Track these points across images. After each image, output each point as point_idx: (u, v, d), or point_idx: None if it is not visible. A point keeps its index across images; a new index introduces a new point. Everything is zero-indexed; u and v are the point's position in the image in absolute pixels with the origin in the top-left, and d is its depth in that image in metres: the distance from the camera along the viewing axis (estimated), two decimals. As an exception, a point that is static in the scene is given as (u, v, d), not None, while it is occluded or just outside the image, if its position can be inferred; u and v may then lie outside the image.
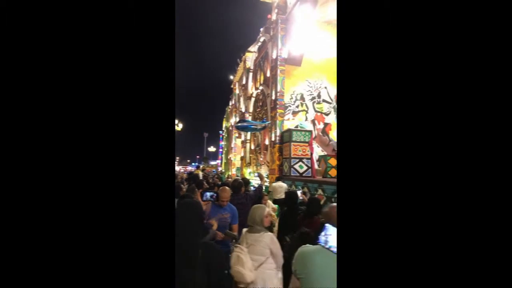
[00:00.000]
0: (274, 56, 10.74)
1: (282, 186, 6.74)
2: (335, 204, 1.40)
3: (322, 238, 0.90)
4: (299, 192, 4.47)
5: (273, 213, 4.64)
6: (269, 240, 2.03)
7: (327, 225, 0.92)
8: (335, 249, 0.86)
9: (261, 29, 13.08)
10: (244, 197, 3.45)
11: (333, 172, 8.27)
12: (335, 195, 5.75)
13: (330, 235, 0.89)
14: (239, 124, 11.95)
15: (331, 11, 10.04)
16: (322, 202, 3.99)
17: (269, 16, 12.32)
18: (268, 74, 11.55)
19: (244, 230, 2.23)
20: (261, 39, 13.16)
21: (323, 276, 1.17)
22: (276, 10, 11.13)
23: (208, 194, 2.85)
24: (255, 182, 8.28)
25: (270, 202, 5.09)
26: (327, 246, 0.88)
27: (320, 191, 6.60)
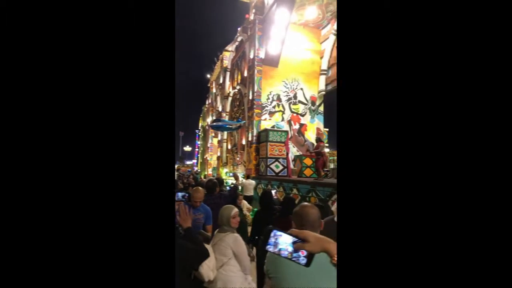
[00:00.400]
0: (251, 56, 10.76)
1: (251, 183, 6.88)
2: (307, 203, 1.42)
3: (271, 240, 0.83)
4: (273, 192, 4.50)
5: (248, 213, 4.64)
6: (231, 241, 1.99)
7: (275, 230, 0.85)
8: (284, 254, 0.80)
9: (239, 29, 13.06)
10: (219, 197, 3.41)
11: (308, 172, 8.44)
12: (309, 194, 5.87)
13: (280, 236, 0.82)
14: (214, 124, 11.85)
15: (307, 15, 10.24)
16: (296, 201, 4.04)
17: (247, 16, 12.33)
18: (245, 74, 11.55)
19: (216, 230, 2.21)
20: (239, 39, 13.14)
21: (298, 275, 1.18)
22: (254, 10, 11.17)
23: (180, 194, 2.80)
24: (231, 182, 8.26)
25: (245, 202, 5.09)
26: (275, 250, 0.81)
27: (295, 190, 6.71)
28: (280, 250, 0.80)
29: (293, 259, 0.80)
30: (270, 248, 0.83)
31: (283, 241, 0.82)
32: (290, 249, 0.81)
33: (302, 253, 0.80)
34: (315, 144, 7.39)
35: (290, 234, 0.83)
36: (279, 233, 0.83)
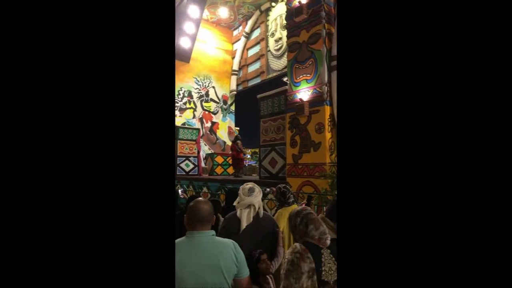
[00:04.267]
0: (160, 49, 10.13)
1: None
2: (201, 199, 1.43)
3: None
4: (180, 191, 4.43)
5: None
6: None
7: None
8: None
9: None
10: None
11: (219, 170, 8.54)
12: (219, 192, 5.95)
13: None
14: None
15: (219, 13, 10.31)
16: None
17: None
18: (153, 67, 10.80)
19: None
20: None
21: (190, 263, 1.21)
22: (163, 1, 10.55)
23: None
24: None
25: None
26: None
27: (205, 189, 6.68)
28: None
29: None
30: None
31: None
32: None
33: None
34: (231, 143, 7.52)
35: None
36: None
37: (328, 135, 4.79)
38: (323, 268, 1.28)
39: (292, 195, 2.44)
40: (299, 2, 5.44)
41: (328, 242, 1.37)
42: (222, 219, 2.02)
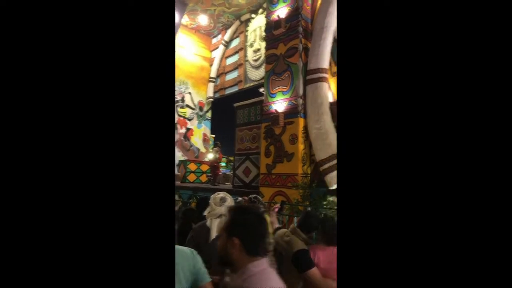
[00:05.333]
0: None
1: None
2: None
3: None
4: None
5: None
6: None
7: None
8: None
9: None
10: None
11: (192, 177, 8.37)
12: (190, 200, 5.83)
13: None
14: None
15: (199, 20, 10.30)
16: (177, 207, 3.94)
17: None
18: (128, 69, 10.49)
19: None
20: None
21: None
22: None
23: None
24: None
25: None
26: None
27: (176, 196, 6.51)
28: None
29: None
30: None
31: None
32: None
33: None
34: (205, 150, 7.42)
35: None
36: None
37: (301, 146, 4.90)
38: None
39: (262, 205, 2.45)
40: (278, 16, 5.60)
41: (271, 249, 1.49)
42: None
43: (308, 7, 5.47)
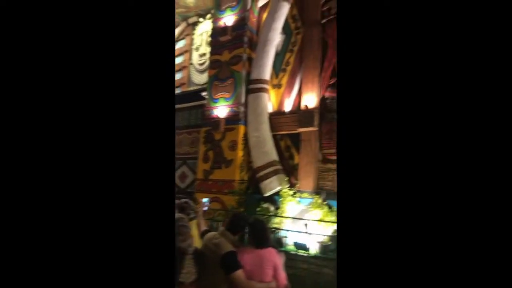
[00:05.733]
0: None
1: None
2: None
3: None
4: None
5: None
6: None
7: None
8: None
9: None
10: None
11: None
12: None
13: None
14: None
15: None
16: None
17: None
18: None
19: None
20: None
21: None
22: None
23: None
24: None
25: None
26: None
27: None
28: None
29: None
30: None
31: None
32: None
33: None
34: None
35: None
36: None
37: (240, 153, 4.97)
38: (182, 271, 1.56)
39: (193, 211, 2.40)
40: (224, 23, 5.66)
41: (191, 251, 1.67)
42: None
43: (254, 19, 5.66)
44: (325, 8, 4.79)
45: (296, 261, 3.23)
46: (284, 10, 5.02)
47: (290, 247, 3.60)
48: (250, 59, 5.41)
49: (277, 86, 5.24)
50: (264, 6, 5.61)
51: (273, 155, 4.66)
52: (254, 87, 5.09)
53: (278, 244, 3.65)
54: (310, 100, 4.59)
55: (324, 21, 4.75)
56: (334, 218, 3.77)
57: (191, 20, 9.81)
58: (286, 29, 5.25)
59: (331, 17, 4.63)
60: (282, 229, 3.81)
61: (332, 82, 4.47)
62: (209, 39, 7.35)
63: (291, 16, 5.25)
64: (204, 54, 9.33)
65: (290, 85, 5.05)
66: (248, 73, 5.30)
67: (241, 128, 5.06)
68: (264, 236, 1.80)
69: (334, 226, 3.72)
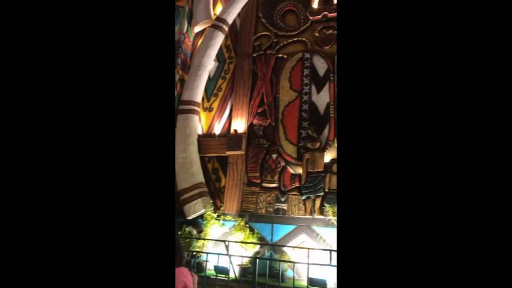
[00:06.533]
0: None
1: None
2: None
3: None
4: None
5: None
6: None
7: None
8: None
9: None
10: None
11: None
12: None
13: None
14: None
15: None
16: None
17: None
18: None
19: None
20: None
21: None
22: None
23: None
24: None
25: None
26: None
27: None
28: None
29: None
30: None
31: None
32: None
33: None
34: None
35: None
36: None
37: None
38: None
39: None
40: (159, 43, 5.62)
41: None
42: None
43: (189, 43, 5.79)
44: (257, 43, 5.23)
45: (214, 286, 3.16)
46: (219, 39, 5.29)
47: (211, 271, 3.52)
48: (182, 81, 5.43)
49: (208, 109, 5.34)
50: (200, 33, 5.82)
51: (200, 177, 4.62)
52: (184, 108, 5.08)
53: (198, 268, 3.53)
54: (239, 125, 4.80)
55: (255, 55, 5.15)
56: (255, 240, 3.87)
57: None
58: (220, 57, 5.50)
59: (261, 52, 5.07)
60: (203, 252, 3.72)
61: (260, 110, 4.79)
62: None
63: (225, 46, 5.55)
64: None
65: (221, 110, 5.21)
66: (180, 94, 5.29)
67: (168, 148, 4.92)
68: (176, 255, 1.77)
69: (255, 249, 3.80)
